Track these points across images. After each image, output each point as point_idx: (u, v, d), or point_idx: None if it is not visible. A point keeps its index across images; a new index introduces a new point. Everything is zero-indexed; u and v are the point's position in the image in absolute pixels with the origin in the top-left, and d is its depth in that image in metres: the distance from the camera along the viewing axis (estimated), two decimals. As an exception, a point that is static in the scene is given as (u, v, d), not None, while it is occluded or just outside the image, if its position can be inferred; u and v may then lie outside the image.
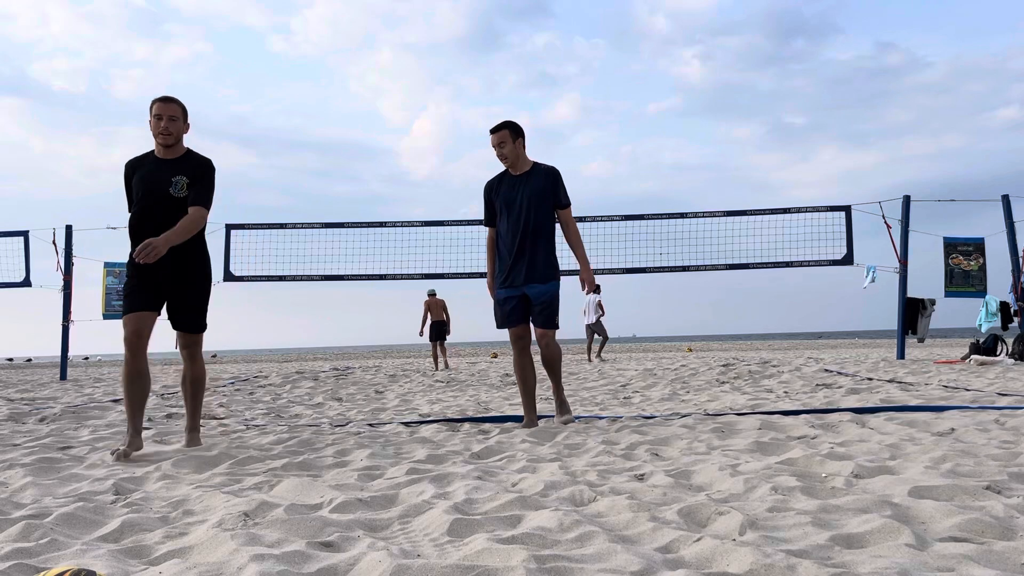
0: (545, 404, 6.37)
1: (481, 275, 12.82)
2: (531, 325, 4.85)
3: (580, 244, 4.92)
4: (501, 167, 4.89)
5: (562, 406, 4.90)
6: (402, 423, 5.06)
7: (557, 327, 4.84)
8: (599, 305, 16.75)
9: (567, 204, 4.90)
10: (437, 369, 14.44)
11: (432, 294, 15.94)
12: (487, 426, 4.80)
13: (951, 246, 12.45)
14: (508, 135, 4.75)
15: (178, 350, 4.18)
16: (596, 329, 16.88)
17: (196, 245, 4.09)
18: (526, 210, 4.73)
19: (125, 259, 4.04)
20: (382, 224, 12.83)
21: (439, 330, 15.79)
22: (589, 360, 16.61)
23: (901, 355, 12.90)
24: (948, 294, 12.50)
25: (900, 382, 7.50)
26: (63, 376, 13.36)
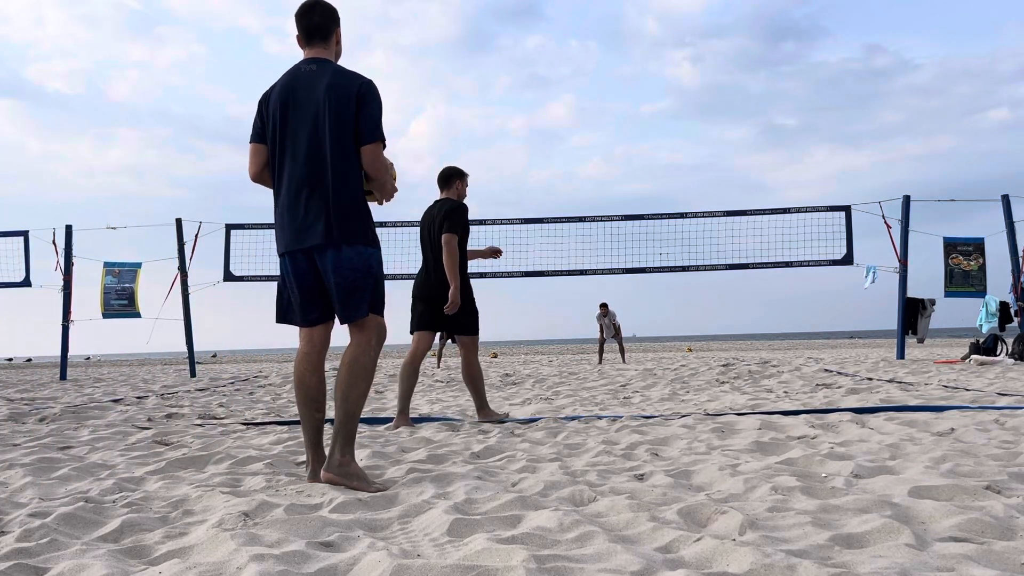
0: (543, 405, 6.36)
1: (480, 275, 12.79)
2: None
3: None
4: None
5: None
6: (402, 423, 5.05)
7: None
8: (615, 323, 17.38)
9: None
10: (439, 368, 14.47)
11: None
12: (487, 426, 4.79)
13: (951, 246, 12.45)
14: None
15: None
16: (615, 337, 17.51)
17: None
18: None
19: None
20: (381, 224, 12.82)
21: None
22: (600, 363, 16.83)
23: (901, 355, 12.91)
24: (948, 294, 12.50)
25: (900, 382, 7.50)
26: (63, 376, 13.35)
